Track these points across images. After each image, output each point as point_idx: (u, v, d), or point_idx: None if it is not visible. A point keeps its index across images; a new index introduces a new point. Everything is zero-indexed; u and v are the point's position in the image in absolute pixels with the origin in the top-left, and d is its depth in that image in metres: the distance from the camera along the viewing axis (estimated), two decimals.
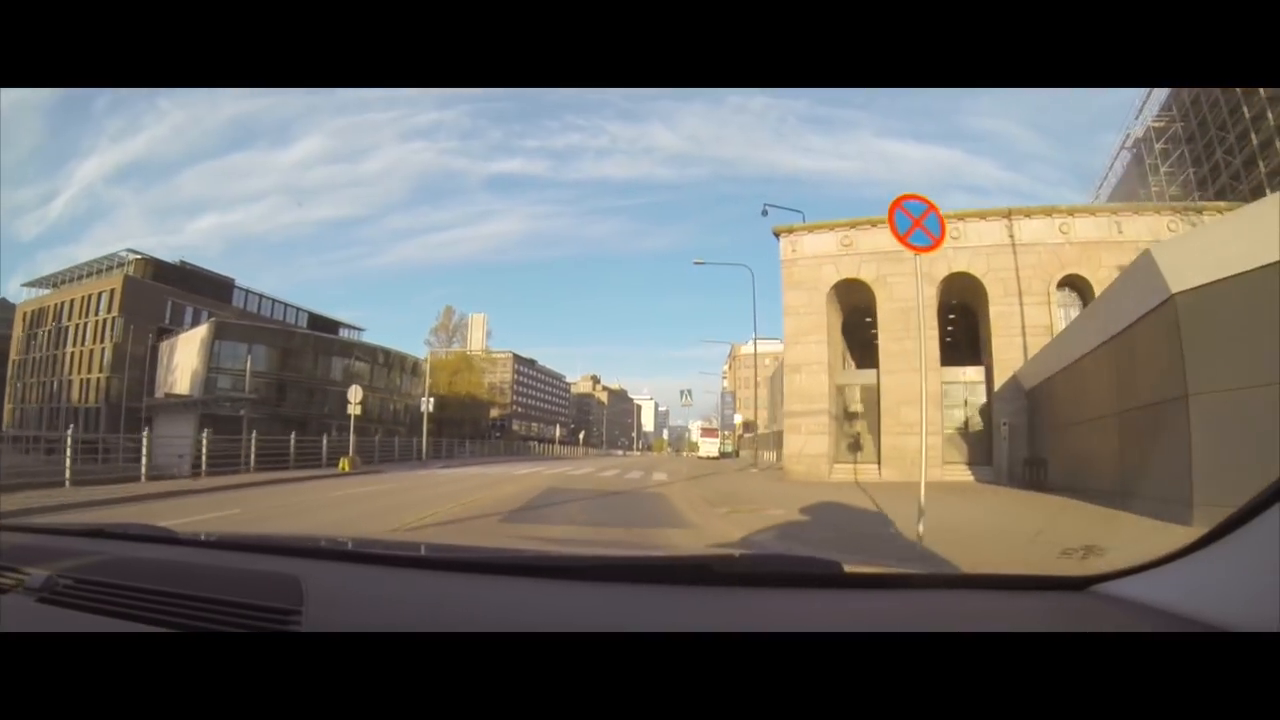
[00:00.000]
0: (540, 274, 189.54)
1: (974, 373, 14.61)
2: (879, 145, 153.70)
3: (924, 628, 0.80)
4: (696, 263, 28.33)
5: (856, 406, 15.22)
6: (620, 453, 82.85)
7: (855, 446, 14.96)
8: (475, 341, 64.57)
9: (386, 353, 46.18)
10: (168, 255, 47.15)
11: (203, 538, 1.31)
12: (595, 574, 1.01)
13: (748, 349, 67.53)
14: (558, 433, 54.87)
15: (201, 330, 35.40)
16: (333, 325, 52.02)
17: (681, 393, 72.29)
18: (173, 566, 1.11)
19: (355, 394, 19.19)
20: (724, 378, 79.65)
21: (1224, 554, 0.71)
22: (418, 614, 0.88)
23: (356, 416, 19.04)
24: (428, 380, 34.19)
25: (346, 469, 16.96)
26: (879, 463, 14.03)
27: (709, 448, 45.05)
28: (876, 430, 14.43)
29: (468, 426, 53.65)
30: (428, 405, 28.44)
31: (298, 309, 52.95)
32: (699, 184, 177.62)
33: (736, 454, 45.42)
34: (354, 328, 54.99)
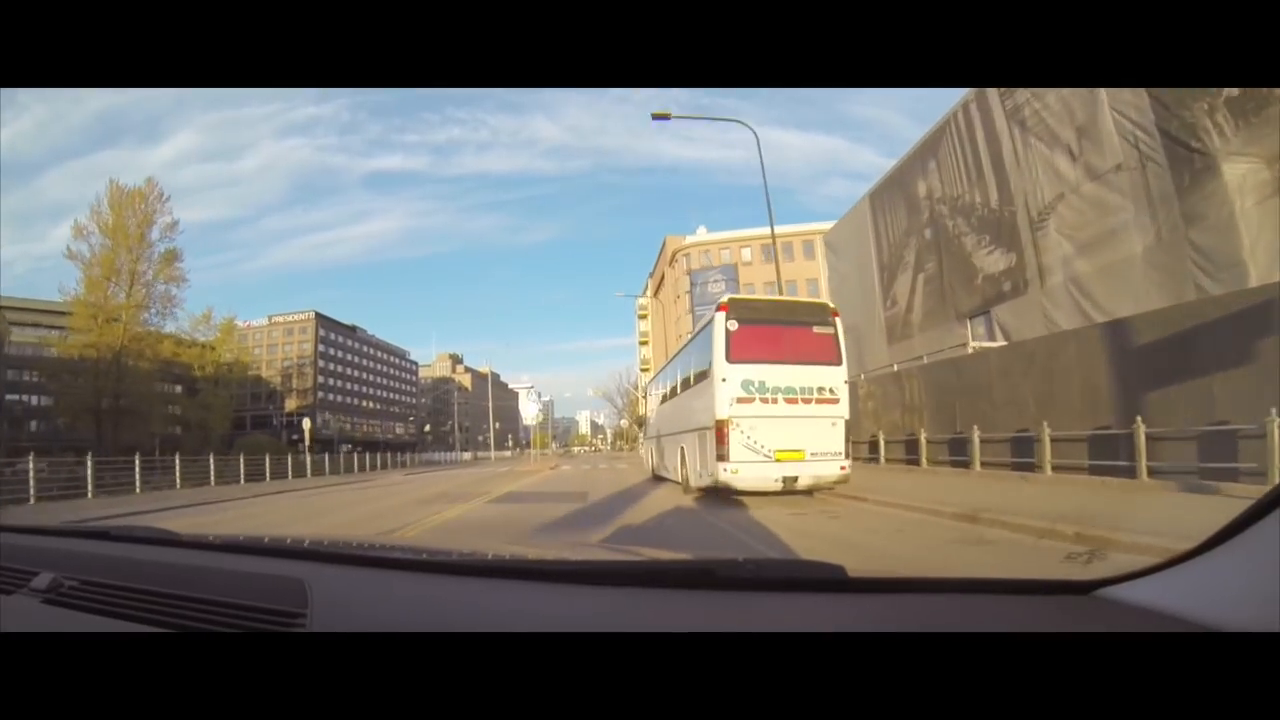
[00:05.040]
0: (421, 272, 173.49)
1: None
2: (762, 133, 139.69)
3: (929, 629, 0.80)
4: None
5: None
6: (468, 455, 61.38)
7: None
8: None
9: None
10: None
11: (207, 540, 1.34)
12: (600, 578, 1.01)
13: (696, 238, 46.91)
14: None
15: None
16: None
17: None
18: (177, 569, 1.11)
19: None
20: (641, 315, 56.78)
21: (1231, 557, 0.71)
22: (423, 617, 0.88)
23: None
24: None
25: None
26: None
27: (796, 471, 7.63)
28: None
29: (148, 422, 30.69)
30: None
31: None
32: (580, 176, 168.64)
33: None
34: None
